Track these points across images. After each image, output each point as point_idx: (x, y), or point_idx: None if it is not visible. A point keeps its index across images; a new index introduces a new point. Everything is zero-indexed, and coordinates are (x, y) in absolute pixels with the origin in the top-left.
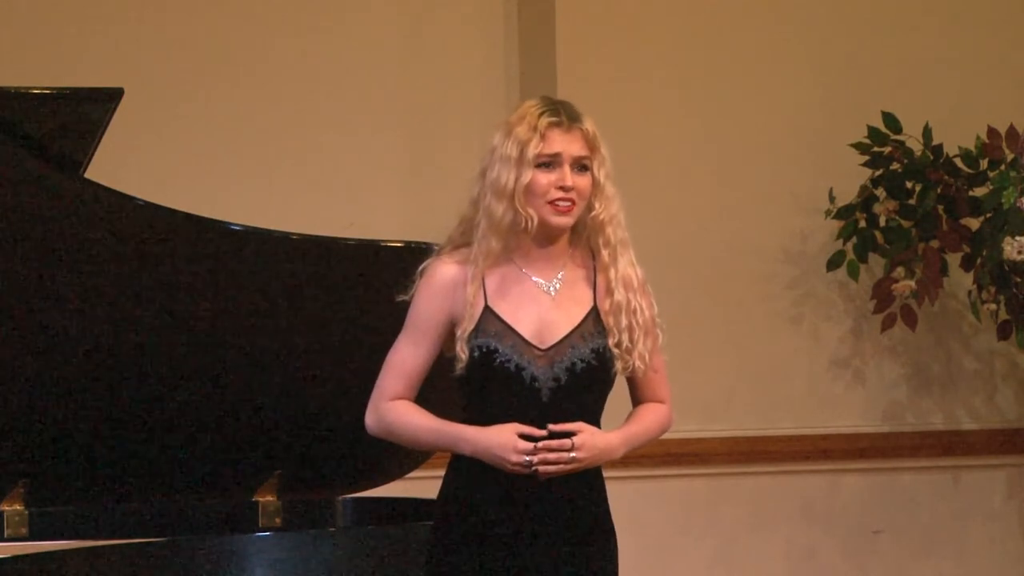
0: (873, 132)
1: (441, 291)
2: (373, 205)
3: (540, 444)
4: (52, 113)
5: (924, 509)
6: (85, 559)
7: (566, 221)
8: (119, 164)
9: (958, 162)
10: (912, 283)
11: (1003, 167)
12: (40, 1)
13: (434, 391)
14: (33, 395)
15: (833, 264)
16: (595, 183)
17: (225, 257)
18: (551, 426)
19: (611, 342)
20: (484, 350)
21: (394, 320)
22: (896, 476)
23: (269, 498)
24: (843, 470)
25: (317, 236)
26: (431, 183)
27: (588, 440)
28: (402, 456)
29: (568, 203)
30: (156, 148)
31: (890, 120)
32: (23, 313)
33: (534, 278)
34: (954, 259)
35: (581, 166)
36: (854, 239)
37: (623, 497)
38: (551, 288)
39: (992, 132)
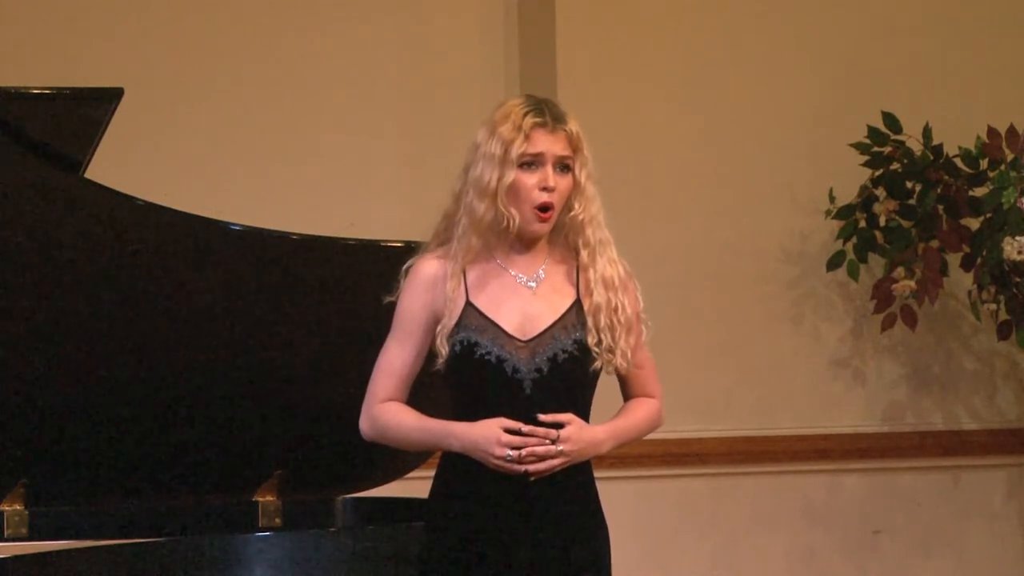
0: (873, 132)
1: (423, 288)
2: (373, 205)
3: (526, 430)
4: (52, 113)
5: (924, 509)
6: (85, 559)
7: (545, 228)
8: (119, 164)
9: (958, 162)
10: (912, 283)
11: (1003, 167)
12: (40, 1)
13: (433, 390)
14: (33, 395)
15: (833, 264)
16: (576, 183)
17: (225, 257)
18: (542, 416)
19: (591, 341)
20: (465, 344)
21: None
22: (896, 476)
23: (269, 498)
24: (843, 470)
25: (317, 236)
26: (431, 183)
27: (575, 433)
28: (402, 456)
29: (549, 204)
30: (156, 148)
31: (890, 120)
32: (23, 313)
33: (515, 273)
34: (954, 259)
35: (563, 166)
36: (854, 239)
37: (623, 497)
38: (532, 282)
39: (992, 132)
